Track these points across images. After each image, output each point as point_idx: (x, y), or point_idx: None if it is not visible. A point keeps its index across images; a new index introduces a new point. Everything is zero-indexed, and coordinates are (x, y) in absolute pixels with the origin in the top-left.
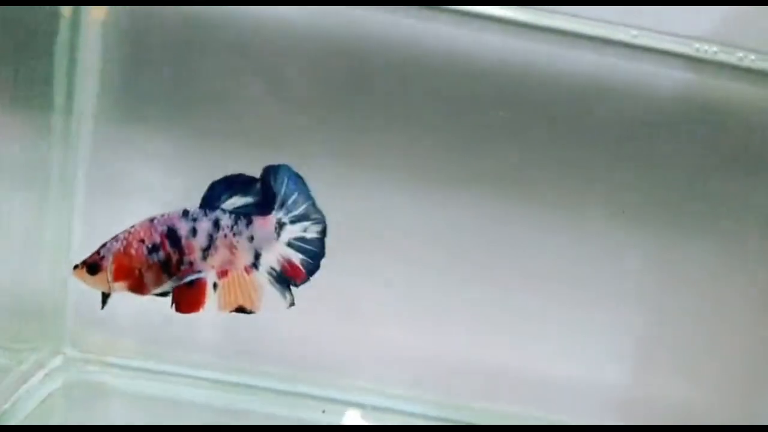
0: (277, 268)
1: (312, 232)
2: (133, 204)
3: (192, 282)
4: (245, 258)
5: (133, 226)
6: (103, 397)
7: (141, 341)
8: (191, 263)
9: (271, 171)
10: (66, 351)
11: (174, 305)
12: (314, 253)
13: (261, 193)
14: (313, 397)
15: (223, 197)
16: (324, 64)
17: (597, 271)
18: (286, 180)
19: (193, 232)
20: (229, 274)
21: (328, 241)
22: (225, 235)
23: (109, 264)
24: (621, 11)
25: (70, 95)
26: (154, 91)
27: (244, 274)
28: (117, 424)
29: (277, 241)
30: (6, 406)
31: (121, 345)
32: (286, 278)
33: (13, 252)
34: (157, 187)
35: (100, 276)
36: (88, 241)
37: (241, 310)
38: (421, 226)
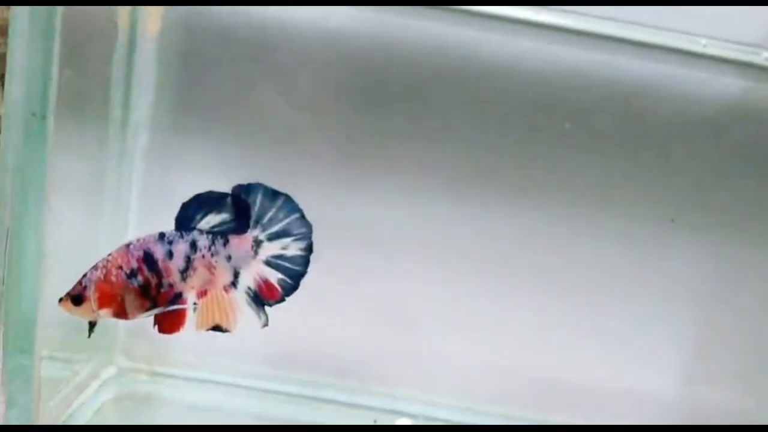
0: (253, 287)
1: (294, 249)
2: None
3: (173, 303)
4: (224, 277)
5: (110, 254)
6: (154, 407)
7: (191, 351)
8: (171, 285)
9: (242, 189)
10: (118, 361)
11: (155, 326)
12: (294, 272)
13: (234, 212)
14: (364, 407)
15: (197, 217)
16: (370, 79)
17: (647, 280)
18: (259, 198)
19: (170, 254)
20: (209, 293)
21: (373, 248)
22: (203, 256)
23: (92, 293)
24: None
25: (126, 107)
26: (208, 103)
27: (223, 293)
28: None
29: (255, 259)
30: (63, 417)
31: (172, 355)
32: (260, 298)
33: (67, 263)
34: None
35: (84, 306)
36: None
37: (217, 328)
38: (465, 234)
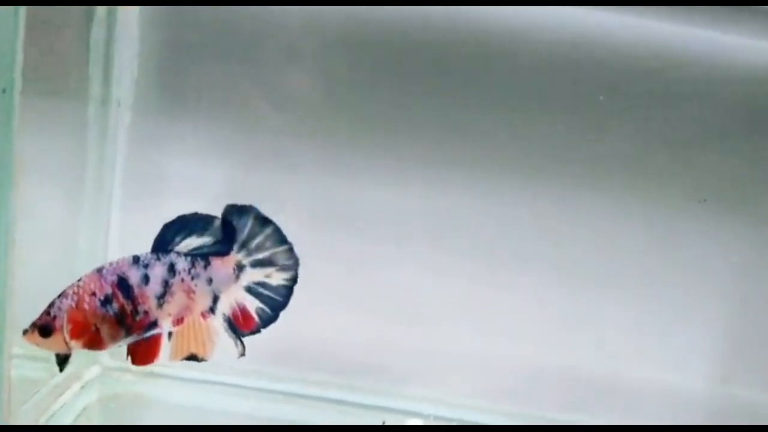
0: (229, 315)
1: (278, 279)
2: (170, 198)
3: (148, 331)
4: (203, 302)
5: (80, 279)
6: (142, 408)
7: None
8: (146, 312)
9: (234, 211)
10: (102, 360)
11: (128, 357)
12: (275, 303)
13: (221, 231)
14: (371, 407)
15: (176, 239)
16: (367, 58)
17: (676, 265)
18: (250, 222)
19: (146, 279)
20: (185, 320)
21: (388, 246)
22: (182, 280)
23: (63, 323)
24: None
25: (106, 84)
26: (192, 81)
27: (200, 320)
28: None
29: (236, 284)
30: (41, 420)
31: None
32: (236, 327)
33: (49, 251)
34: (195, 180)
35: (54, 337)
36: (125, 237)
37: (192, 358)
38: (477, 222)
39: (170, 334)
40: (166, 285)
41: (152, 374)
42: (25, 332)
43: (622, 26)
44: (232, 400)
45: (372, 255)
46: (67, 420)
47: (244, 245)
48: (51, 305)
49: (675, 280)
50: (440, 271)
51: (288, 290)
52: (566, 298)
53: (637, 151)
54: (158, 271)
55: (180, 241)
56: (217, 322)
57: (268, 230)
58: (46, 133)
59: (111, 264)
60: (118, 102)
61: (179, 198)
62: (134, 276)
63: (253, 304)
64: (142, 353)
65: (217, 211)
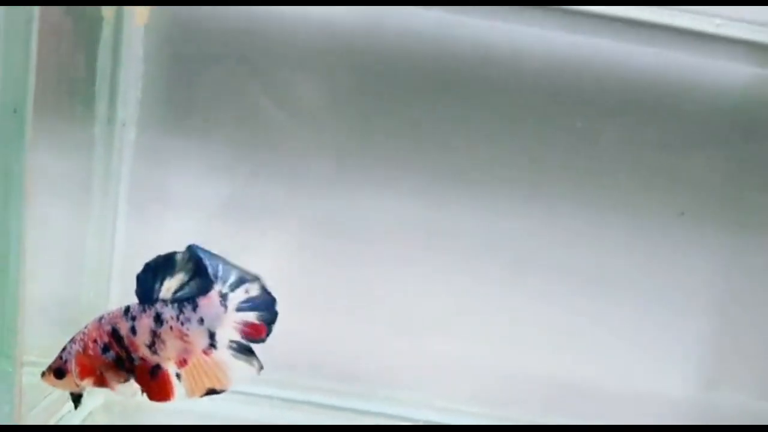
0: (236, 336)
1: (255, 290)
2: (175, 213)
3: (154, 374)
4: (201, 342)
5: (86, 326)
6: (144, 413)
7: None
8: (142, 359)
9: (190, 251)
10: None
11: (145, 395)
12: (266, 303)
13: (190, 271)
14: (364, 413)
15: (156, 286)
16: (365, 73)
17: (657, 275)
18: (204, 256)
19: (133, 330)
20: (189, 361)
21: (380, 252)
22: (171, 327)
23: (73, 366)
24: None
25: (112, 104)
26: (196, 100)
27: (204, 357)
28: None
29: (226, 313)
30: (50, 424)
31: None
32: (249, 341)
33: (56, 263)
34: (199, 196)
35: (67, 379)
36: (130, 250)
37: (211, 392)
38: (474, 233)
39: (178, 375)
40: (154, 335)
41: None
42: (42, 374)
43: (606, 48)
44: (236, 406)
45: (370, 264)
46: (74, 424)
47: (215, 276)
48: (63, 350)
49: (656, 288)
50: (437, 279)
51: (266, 291)
52: (557, 306)
53: (618, 169)
54: (144, 323)
55: (160, 287)
56: (222, 353)
57: (208, 255)
58: (55, 150)
59: (108, 313)
60: (123, 121)
61: (182, 211)
62: (123, 327)
63: (252, 316)
64: (156, 392)
65: (220, 224)
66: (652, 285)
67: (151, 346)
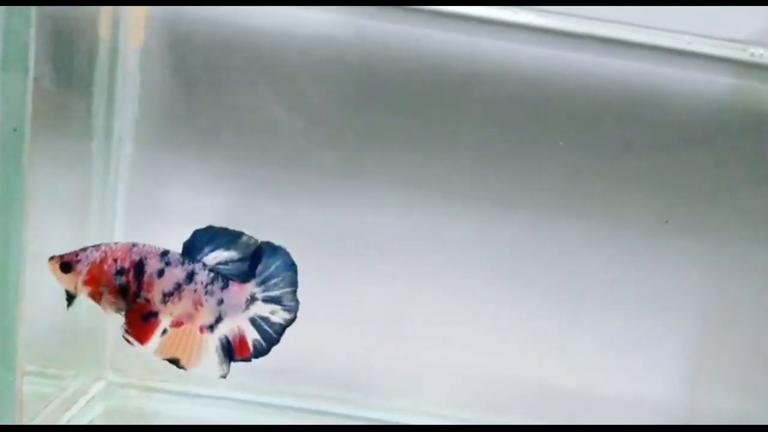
0: (230, 337)
1: (278, 318)
2: (173, 229)
3: (147, 318)
4: (207, 318)
5: (117, 243)
6: (143, 421)
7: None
8: (148, 300)
9: (267, 248)
10: (107, 376)
11: (124, 327)
12: (270, 338)
13: (249, 263)
14: (358, 419)
15: (206, 249)
16: (358, 86)
17: (643, 282)
18: (278, 262)
19: (160, 273)
20: (183, 326)
21: (376, 262)
22: (195, 290)
23: (83, 268)
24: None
25: (109, 120)
26: (192, 116)
27: (197, 332)
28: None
29: (243, 312)
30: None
31: (162, 369)
32: (231, 350)
33: (52, 278)
34: (196, 211)
35: (70, 277)
36: None
37: (175, 362)
38: (461, 244)
39: (165, 331)
40: (179, 288)
41: (155, 389)
42: (50, 259)
43: (591, 63)
44: (233, 413)
45: (366, 275)
46: None
47: (264, 281)
48: (83, 249)
49: (641, 296)
50: (425, 289)
51: (284, 329)
52: (544, 315)
53: (605, 176)
54: (176, 273)
55: (209, 252)
56: (212, 340)
57: (289, 273)
58: (53, 166)
59: (144, 245)
60: (120, 137)
61: (179, 225)
62: (152, 265)
63: (251, 335)
64: (136, 331)
65: None
66: (637, 292)
67: (167, 295)
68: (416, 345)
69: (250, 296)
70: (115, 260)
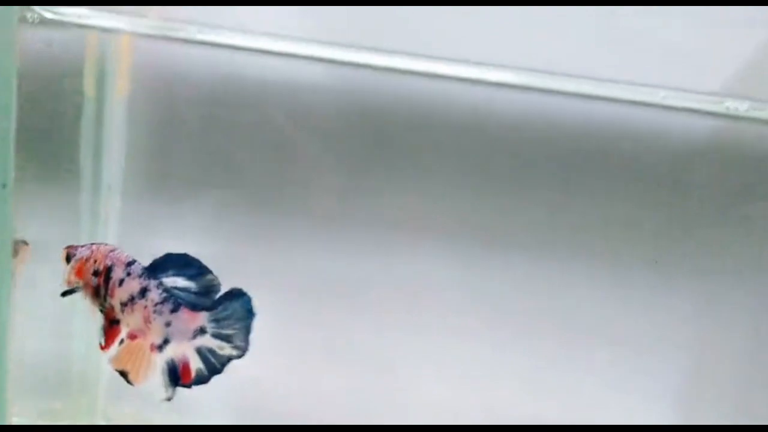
0: (175, 361)
1: (225, 351)
2: None
3: (111, 325)
4: (155, 337)
5: (104, 245)
6: None
7: (176, 411)
8: (112, 307)
9: (233, 292)
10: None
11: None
12: (214, 368)
13: (206, 298)
14: None
15: (170, 271)
16: (345, 133)
17: (635, 322)
18: (237, 305)
19: (121, 282)
20: (137, 340)
21: (365, 306)
22: (146, 306)
23: (73, 262)
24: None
25: (97, 173)
26: (180, 166)
27: (148, 349)
28: None
29: (189, 341)
30: None
31: (154, 419)
32: (176, 374)
33: (45, 328)
34: None
35: (68, 267)
36: None
37: (124, 375)
38: (455, 285)
39: (122, 341)
40: (132, 300)
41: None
42: (66, 248)
43: (574, 106)
44: None
45: (356, 319)
46: None
47: (217, 319)
48: (84, 245)
49: (634, 336)
50: (421, 331)
51: (229, 361)
52: (535, 353)
53: (595, 219)
54: (132, 285)
55: (171, 275)
56: (159, 361)
57: (246, 318)
58: (41, 218)
59: (119, 252)
60: (108, 186)
61: None
62: (117, 273)
63: (195, 363)
64: (104, 335)
65: None
66: (628, 330)
67: (123, 305)
68: (407, 387)
69: (200, 328)
70: (95, 261)
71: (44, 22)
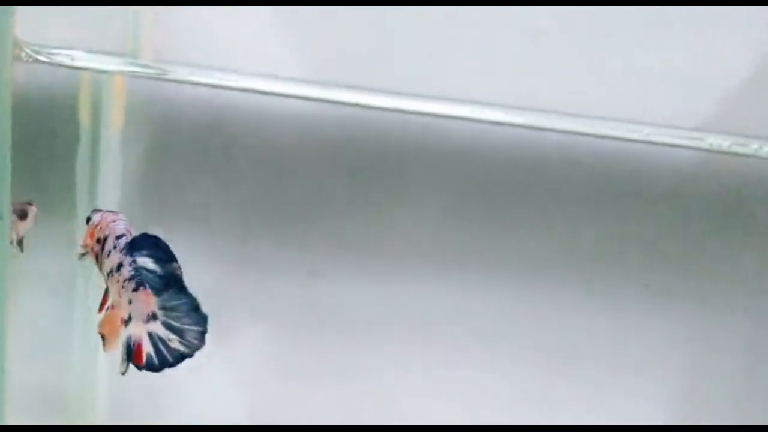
0: (131, 339)
1: (174, 344)
2: None
3: (106, 291)
4: (123, 312)
5: (112, 212)
6: None
7: None
8: (106, 273)
9: (184, 288)
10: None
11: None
12: (164, 359)
13: (166, 284)
14: None
15: (144, 251)
16: (342, 167)
17: (626, 347)
18: (185, 301)
19: (108, 253)
20: (114, 310)
21: (362, 335)
22: (118, 281)
23: (89, 226)
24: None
25: (92, 204)
26: (175, 198)
27: (119, 321)
28: None
29: (144, 324)
30: None
31: None
32: (131, 352)
33: (43, 357)
34: None
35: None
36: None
37: (102, 338)
38: (447, 311)
39: (107, 309)
40: (111, 273)
41: None
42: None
43: (551, 140)
44: None
45: (352, 349)
46: None
47: (165, 307)
48: (100, 211)
49: (625, 361)
50: (418, 361)
51: (182, 358)
52: (528, 379)
53: (587, 245)
54: (114, 258)
55: (144, 255)
56: (123, 335)
57: (198, 319)
58: (36, 250)
59: (117, 223)
60: None
61: None
62: (108, 245)
63: (147, 348)
64: (102, 300)
65: None
66: (620, 355)
67: (109, 275)
68: (406, 418)
69: (152, 312)
70: (101, 228)
71: (37, 62)
